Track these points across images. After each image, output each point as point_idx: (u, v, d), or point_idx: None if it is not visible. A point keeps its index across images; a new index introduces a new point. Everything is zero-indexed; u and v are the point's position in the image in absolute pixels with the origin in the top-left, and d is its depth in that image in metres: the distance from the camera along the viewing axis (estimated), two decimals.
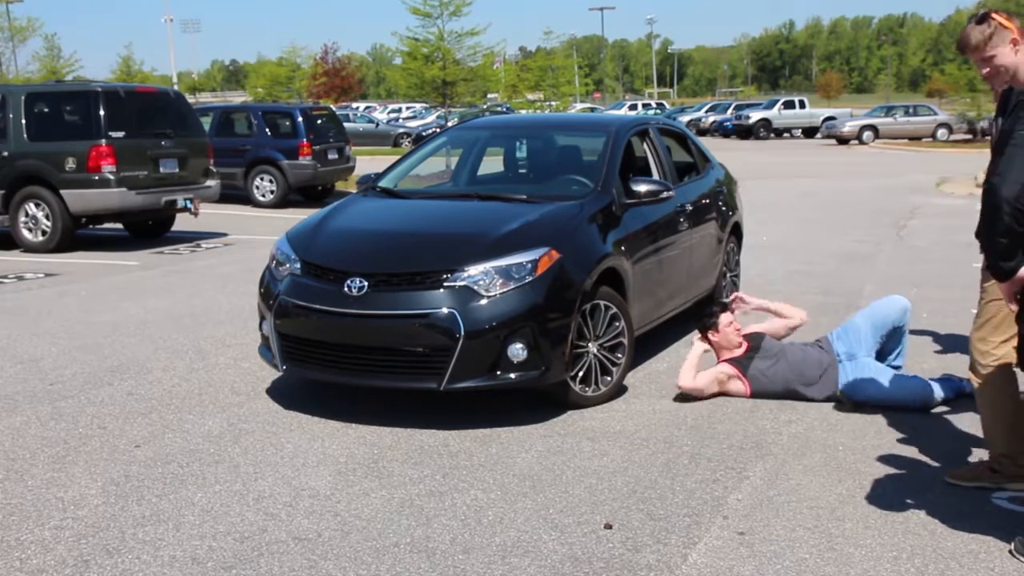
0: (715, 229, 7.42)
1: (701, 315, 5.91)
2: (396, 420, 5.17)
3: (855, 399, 5.38)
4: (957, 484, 4.22)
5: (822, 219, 14.57)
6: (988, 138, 5.76)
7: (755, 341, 5.74)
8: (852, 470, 4.43)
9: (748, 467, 4.50)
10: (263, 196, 17.59)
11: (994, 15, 3.85)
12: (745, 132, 44.87)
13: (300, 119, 17.66)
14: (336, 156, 18.17)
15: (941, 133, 37.94)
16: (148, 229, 13.42)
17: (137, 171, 11.91)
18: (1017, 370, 3.94)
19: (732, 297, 6.46)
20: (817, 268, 10.00)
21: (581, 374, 5.35)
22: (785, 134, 45.74)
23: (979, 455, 4.59)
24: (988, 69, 3.83)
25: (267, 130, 17.85)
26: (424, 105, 49.43)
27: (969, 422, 5.08)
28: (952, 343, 6.55)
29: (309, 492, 4.24)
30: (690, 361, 5.60)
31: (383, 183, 6.62)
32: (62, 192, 11.70)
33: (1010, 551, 3.56)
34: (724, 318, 5.78)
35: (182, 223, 13.64)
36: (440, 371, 4.92)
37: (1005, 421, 4.05)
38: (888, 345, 5.69)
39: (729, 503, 4.08)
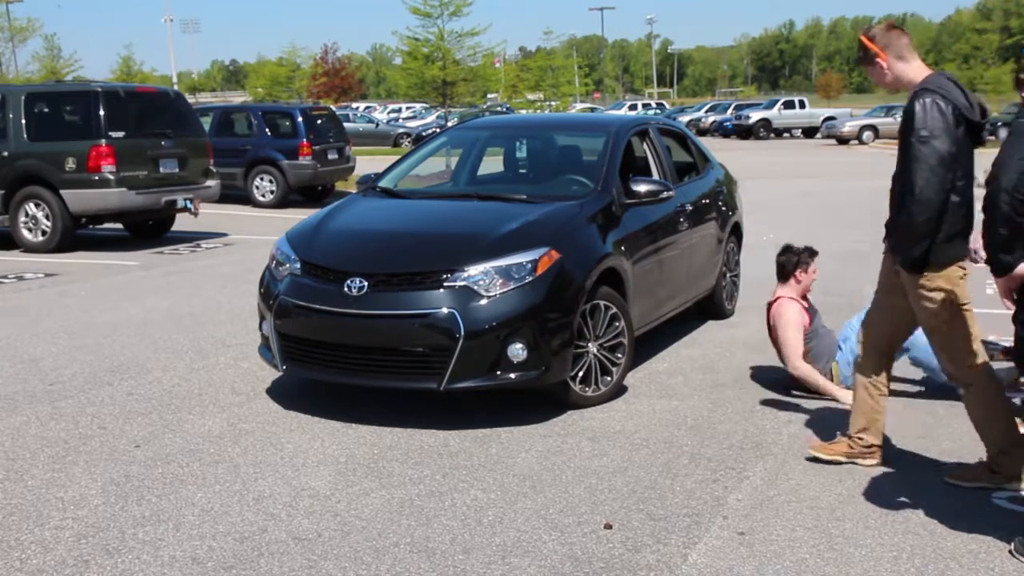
0: (715, 229, 7.42)
1: (791, 251, 5.90)
2: (396, 420, 5.17)
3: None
4: (957, 484, 4.22)
5: (822, 219, 14.57)
6: (991, 138, 5.83)
7: (812, 305, 5.94)
8: (852, 470, 4.43)
9: (748, 467, 4.50)
10: (263, 196, 17.59)
11: (862, 37, 4.11)
12: (745, 132, 44.85)
13: (300, 119, 17.66)
14: (336, 156, 18.17)
15: None
16: (148, 229, 13.42)
17: (137, 171, 11.91)
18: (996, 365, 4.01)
19: None
20: (817, 268, 9.97)
21: (581, 374, 5.35)
22: (785, 134, 45.73)
23: (979, 455, 4.59)
24: (873, 80, 4.18)
25: (267, 130, 17.85)
26: (424, 105, 49.44)
27: (970, 422, 5.08)
28: None
29: (309, 492, 4.24)
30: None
31: (383, 183, 6.62)
32: (62, 192, 11.69)
33: (1010, 551, 3.56)
34: (815, 262, 5.91)
35: (182, 223, 13.64)
36: (440, 371, 4.92)
37: (997, 418, 4.08)
38: None
39: (729, 503, 4.08)
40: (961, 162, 3.82)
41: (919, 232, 3.79)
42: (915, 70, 4.01)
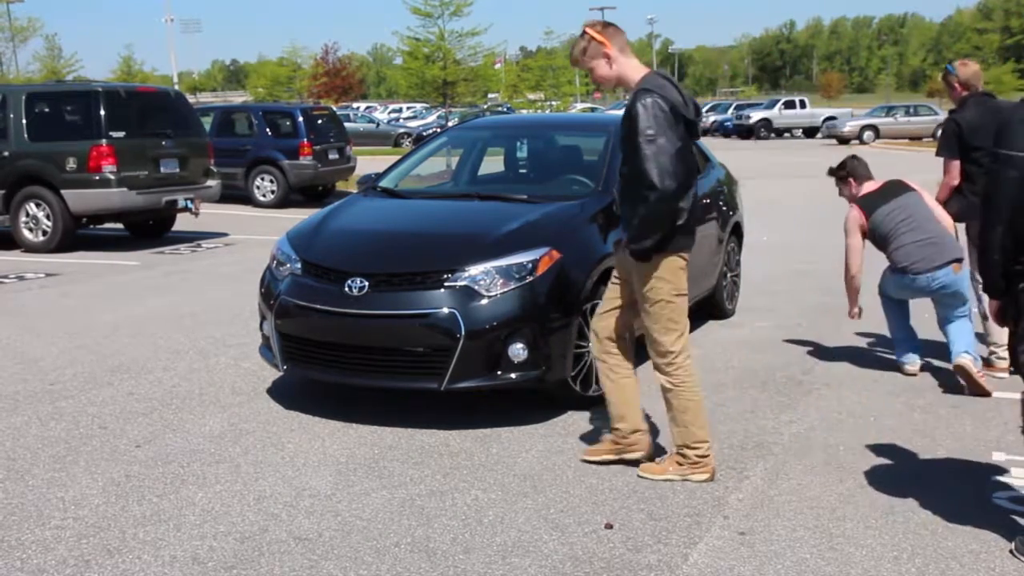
0: (716, 229, 7.41)
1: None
2: (396, 420, 5.17)
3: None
4: (591, 460, 4.48)
5: (822, 219, 14.54)
6: None
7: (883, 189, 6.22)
8: (852, 470, 4.43)
9: (749, 467, 4.50)
10: (264, 196, 17.60)
11: (588, 29, 4.22)
12: (746, 132, 44.84)
13: (300, 119, 17.65)
14: (337, 156, 18.17)
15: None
16: (148, 229, 13.42)
17: (138, 171, 11.91)
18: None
19: None
20: (817, 268, 9.99)
21: (582, 374, 5.35)
22: (786, 134, 45.71)
23: (982, 455, 4.59)
24: (593, 77, 4.28)
25: (268, 130, 17.85)
26: (425, 105, 49.47)
27: (971, 422, 5.09)
28: None
29: (310, 492, 4.24)
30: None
31: (384, 183, 6.61)
32: (63, 192, 11.70)
33: (1010, 551, 3.56)
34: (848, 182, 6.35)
35: (182, 223, 13.65)
36: (440, 371, 4.92)
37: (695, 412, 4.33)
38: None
39: (730, 503, 4.08)
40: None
41: (659, 224, 4.06)
42: (635, 68, 4.21)
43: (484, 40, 42.54)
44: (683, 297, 4.30)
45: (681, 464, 4.31)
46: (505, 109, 40.24)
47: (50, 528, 3.89)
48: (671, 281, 4.23)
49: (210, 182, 13.14)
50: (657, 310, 4.25)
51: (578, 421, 5.19)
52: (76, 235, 12.15)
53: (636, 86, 4.09)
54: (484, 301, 4.96)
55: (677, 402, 4.29)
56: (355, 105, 56.62)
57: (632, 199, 4.10)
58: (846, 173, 6.29)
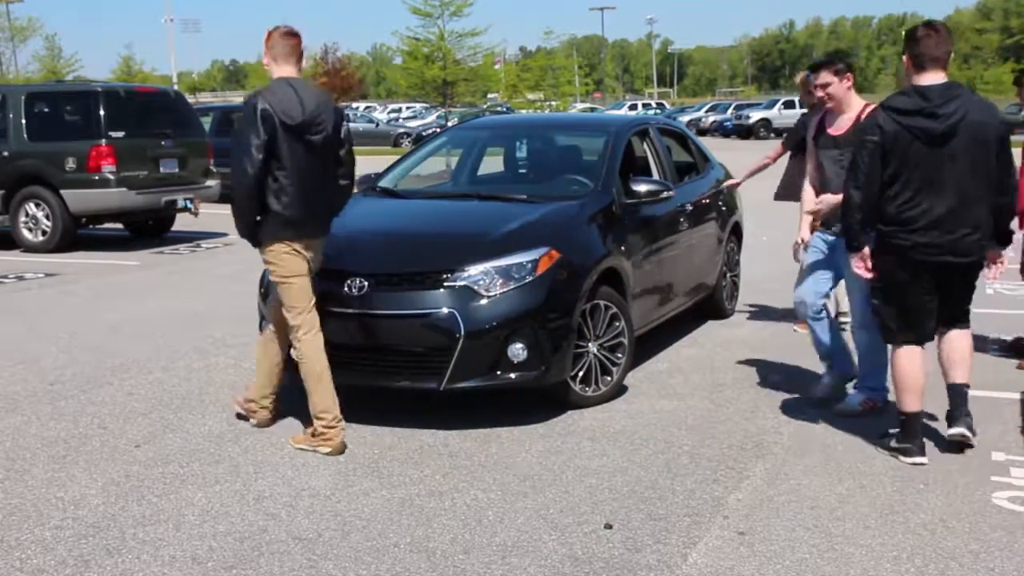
0: (715, 229, 7.42)
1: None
2: (396, 420, 5.17)
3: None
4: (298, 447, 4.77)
5: None
6: None
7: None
8: (852, 470, 4.44)
9: (748, 467, 4.50)
10: None
11: (267, 32, 4.66)
12: (745, 132, 44.78)
13: None
14: None
15: None
16: (148, 229, 13.42)
17: (137, 171, 11.91)
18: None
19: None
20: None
21: (581, 374, 5.35)
22: (785, 134, 45.62)
23: (980, 454, 4.59)
24: None
25: None
26: (424, 105, 49.42)
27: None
28: None
29: (309, 492, 4.24)
30: None
31: (383, 183, 6.61)
32: (62, 192, 11.69)
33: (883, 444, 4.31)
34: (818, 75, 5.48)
35: (182, 223, 13.64)
36: (440, 371, 4.92)
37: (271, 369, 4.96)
38: None
39: (729, 503, 4.09)
40: (281, 155, 4.56)
41: (240, 211, 4.78)
42: (277, 71, 4.64)
43: (484, 40, 42.52)
44: (298, 279, 4.68)
45: (314, 435, 4.72)
46: (504, 109, 40.19)
47: (50, 528, 3.89)
48: (279, 265, 4.68)
49: (210, 182, 13.13)
50: (276, 291, 4.77)
51: (578, 421, 5.19)
52: (76, 235, 12.15)
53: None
54: (484, 301, 4.96)
55: (303, 372, 4.74)
56: (354, 105, 56.57)
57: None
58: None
